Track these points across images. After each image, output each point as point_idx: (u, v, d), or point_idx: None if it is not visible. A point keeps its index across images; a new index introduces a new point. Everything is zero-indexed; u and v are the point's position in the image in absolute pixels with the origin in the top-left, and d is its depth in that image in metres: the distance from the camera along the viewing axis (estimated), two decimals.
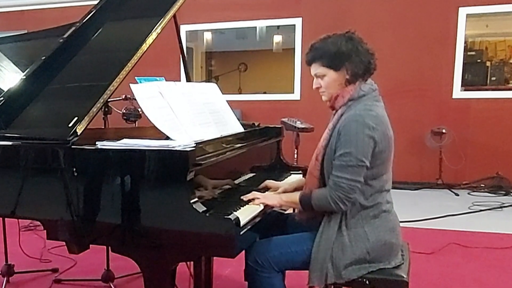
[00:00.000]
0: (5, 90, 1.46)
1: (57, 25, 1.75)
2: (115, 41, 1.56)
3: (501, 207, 3.22)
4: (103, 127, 1.84)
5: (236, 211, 1.19)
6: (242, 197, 1.28)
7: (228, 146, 1.38)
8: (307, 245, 1.22)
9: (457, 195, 3.66)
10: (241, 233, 1.08)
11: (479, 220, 2.97)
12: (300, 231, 1.30)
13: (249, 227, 1.15)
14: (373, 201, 1.21)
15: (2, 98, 1.41)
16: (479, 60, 4.35)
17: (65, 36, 1.54)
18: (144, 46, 1.37)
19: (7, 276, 1.95)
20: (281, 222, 1.43)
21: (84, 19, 1.59)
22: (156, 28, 1.42)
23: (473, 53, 4.31)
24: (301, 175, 1.68)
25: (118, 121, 2.01)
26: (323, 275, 1.18)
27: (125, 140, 1.21)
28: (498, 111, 3.83)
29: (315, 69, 1.24)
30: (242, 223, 1.10)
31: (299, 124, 2.52)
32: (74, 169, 1.17)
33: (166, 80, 1.53)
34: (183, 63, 1.90)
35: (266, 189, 1.44)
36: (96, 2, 1.64)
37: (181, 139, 1.22)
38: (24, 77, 1.46)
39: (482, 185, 3.76)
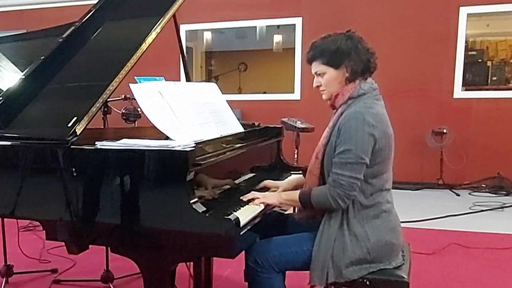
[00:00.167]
0: (4, 90, 1.46)
1: (56, 24, 1.75)
2: (114, 41, 1.56)
3: (502, 208, 3.22)
4: (102, 127, 1.84)
5: (236, 211, 1.19)
6: (241, 197, 1.28)
7: (228, 146, 1.37)
8: (307, 245, 1.22)
9: (458, 195, 3.66)
10: (241, 233, 1.08)
11: (480, 220, 2.97)
12: (300, 231, 1.30)
13: (249, 227, 1.14)
14: (373, 200, 1.21)
15: (1, 98, 1.40)
16: (480, 60, 4.34)
17: (64, 35, 1.54)
18: (144, 46, 1.37)
19: (6, 277, 1.95)
20: (281, 222, 1.43)
21: (83, 18, 1.58)
22: (155, 28, 1.42)
23: (474, 52, 4.30)
24: (301, 175, 1.68)
25: (118, 121, 2.01)
26: (324, 274, 1.18)
27: (124, 140, 1.20)
28: (499, 111, 3.82)
29: (315, 67, 1.25)
30: (242, 223, 1.09)
31: (299, 124, 2.52)
32: (74, 169, 1.16)
33: (165, 80, 1.53)
34: (183, 63, 1.90)
35: (265, 189, 1.43)
36: (95, 2, 1.63)
37: (181, 139, 1.21)
38: (23, 76, 1.45)
39: (483, 185, 3.75)
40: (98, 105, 1.25)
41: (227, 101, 1.62)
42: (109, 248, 1.30)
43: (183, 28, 4.44)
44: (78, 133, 1.19)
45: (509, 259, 2.26)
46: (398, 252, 1.26)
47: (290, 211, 1.45)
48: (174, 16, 1.58)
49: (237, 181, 1.43)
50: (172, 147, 1.10)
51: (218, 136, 1.38)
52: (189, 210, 1.06)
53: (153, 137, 1.26)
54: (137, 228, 1.12)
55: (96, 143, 1.18)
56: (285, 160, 1.79)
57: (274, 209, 1.34)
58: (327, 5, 4.18)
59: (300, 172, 1.70)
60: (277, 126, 1.79)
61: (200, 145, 1.18)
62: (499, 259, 2.26)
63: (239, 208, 1.22)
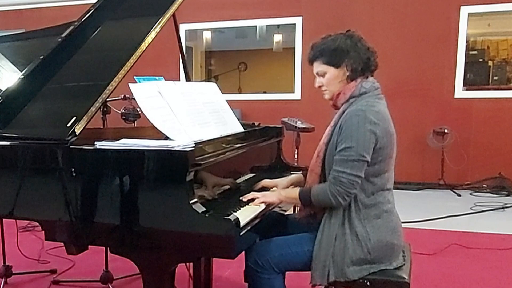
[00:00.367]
0: (3, 89, 1.46)
1: (55, 24, 1.74)
2: (114, 40, 1.55)
3: (503, 208, 3.21)
4: (101, 127, 1.84)
5: (236, 211, 1.18)
6: (241, 198, 1.27)
7: (228, 146, 1.37)
8: (307, 246, 1.22)
9: (459, 195, 3.65)
10: (241, 234, 1.08)
11: (481, 220, 2.96)
12: (300, 232, 1.29)
13: (249, 228, 1.14)
14: (374, 200, 1.21)
15: (0, 98, 1.39)
16: (481, 60, 4.33)
17: (63, 35, 1.53)
18: (143, 46, 1.36)
19: (5, 278, 1.94)
20: (282, 223, 1.42)
21: (82, 18, 1.58)
22: (155, 27, 1.41)
23: (475, 52, 4.29)
24: (300, 174, 1.67)
25: (117, 121, 2.00)
26: (325, 273, 1.18)
27: (124, 140, 1.20)
28: (500, 111, 3.81)
29: (316, 67, 1.26)
30: (242, 223, 1.09)
31: (299, 124, 2.51)
32: (73, 169, 1.16)
33: (165, 80, 1.52)
34: (183, 63, 1.89)
35: (264, 189, 1.42)
36: (95, 1, 1.63)
37: (181, 139, 1.21)
38: (22, 76, 1.45)
39: (484, 185, 3.74)
40: (97, 105, 1.25)
41: (227, 101, 1.62)
42: (108, 249, 1.30)
43: (183, 28, 4.44)
44: (77, 133, 1.19)
45: (510, 259, 2.25)
46: (398, 252, 1.26)
47: (290, 211, 1.45)
48: (173, 15, 1.57)
49: (237, 181, 1.43)
50: (172, 147, 1.10)
51: (218, 136, 1.38)
52: (189, 210, 1.06)
53: (153, 137, 1.26)
54: (136, 229, 1.12)
55: (95, 143, 1.18)
56: (286, 160, 1.79)
57: (274, 209, 1.33)
58: (328, 4, 4.17)
59: (300, 172, 1.70)
60: (277, 126, 1.79)
61: (199, 145, 1.18)
62: (500, 259, 2.25)
63: (239, 209, 1.22)
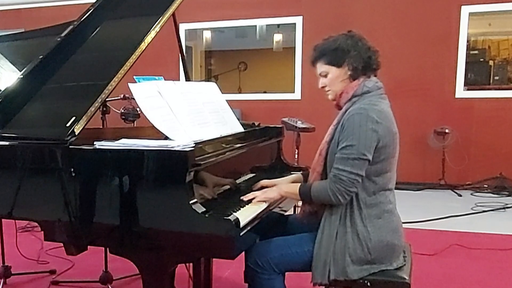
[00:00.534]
0: (2, 89, 1.45)
1: (54, 23, 1.74)
2: (113, 40, 1.55)
3: (504, 208, 3.20)
4: (101, 127, 1.83)
5: (236, 212, 1.18)
6: (241, 198, 1.27)
7: (228, 146, 1.36)
8: (308, 246, 1.21)
9: (460, 195, 3.65)
10: (241, 234, 1.07)
11: (482, 221, 2.95)
12: (300, 232, 1.29)
13: (249, 228, 1.13)
14: (376, 199, 1.20)
15: None
16: (482, 59, 4.32)
17: (62, 34, 1.53)
18: (143, 45, 1.36)
19: (4, 278, 1.94)
20: (282, 223, 1.42)
21: (82, 17, 1.57)
22: (155, 27, 1.41)
23: (475, 52, 4.28)
24: (300, 174, 1.66)
25: (117, 121, 2.00)
26: (326, 271, 1.18)
27: (123, 140, 1.19)
28: (501, 111, 3.81)
29: (319, 68, 1.27)
30: (242, 224, 1.08)
31: (300, 124, 2.51)
32: (72, 170, 1.15)
33: (165, 80, 1.52)
34: (182, 62, 1.89)
35: (263, 189, 1.42)
36: (94, 0, 1.62)
37: (180, 139, 1.20)
38: (21, 76, 1.45)
39: (485, 185, 3.74)
40: (96, 104, 1.24)
41: (227, 100, 1.61)
42: (108, 249, 1.30)
43: (183, 27, 4.43)
44: (76, 133, 1.18)
45: (511, 260, 2.24)
46: (399, 253, 1.25)
47: (291, 212, 1.44)
48: (173, 15, 1.57)
49: (237, 182, 1.42)
50: (172, 147, 1.10)
51: (218, 136, 1.37)
52: (189, 210, 1.05)
53: (152, 137, 1.26)
54: (136, 229, 1.11)
55: (94, 143, 1.17)
56: (286, 160, 1.78)
57: (274, 210, 1.33)
58: (328, 4, 4.16)
59: (301, 172, 1.69)
60: (277, 126, 1.78)
61: (199, 145, 1.17)
62: (501, 260, 2.25)
63: (239, 209, 1.21)
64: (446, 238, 2.55)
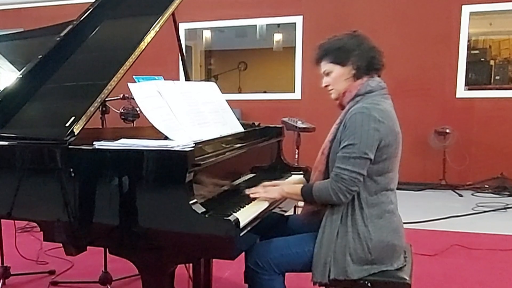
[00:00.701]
0: (1, 89, 1.45)
1: (54, 23, 1.73)
2: (113, 40, 1.54)
3: (505, 208, 3.20)
4: (100, 126, 1.82)
5: (236, 212, 1.17)
6: (246, 191, 1.27)
7: (227, 146, 1.36)
8: (308, 246, 1.21)
9: (461, 196, 3.64)
10: (241, 234, 1.07)
11: (483, 221, 2.95)
12: (301, 232, 1.29)
13: (249, 228, 1.13)
14: (377, 199, 1.20)
15: None
16: (482, 59, 4.31)
17: (62, 34, 1.52)
18: (143, 45, 1.35)
19: (3, 279, 1.93)
20: (282, 223, 1.42)
21: (81, 17, 1.57)
22: (154, 26, 1.40)
23: (476, 51, 4.28)
24: (302, 176, 1.66)
25: (116, 121, 1.99)
26: (326, 270, 1.17)
27: (123, 140, 1.19)
28: (502, 111, 3.80)
29: (323, 66, 1.27)
30: (242, 224, 1.08)
31: (300, 124, 2.50)
32: (71, 170, 1.15)
33: (164, 79, 1.51)
34: (182, 62, 1.88)
35: None
36: (93, 0, 1.61)
37: (180, 139, 1.20)
38: (21, 76, 1.44)
39: (486, 185, 3.73)
40: (96, 104, 1.24)
41: (226, 100, 1.61)
42: (107, 250, 1.29)
43: (182, 27, 4.43)
44: (76, 133, 1.18)
45: None
46: (400, 253, 1.25)
47: (291, 212, 1.44)
48: (173, 14, 1.56)
49: (237, 182, 1.42)
50: (171, 147, 1.09)
51: (218, 136, 1.37)
52: (188, 211, 1.05)
53: (152, 137, 1.25)
54: (135, 229, 1.11)
55: (94, 143, 1.17)
56: (286, 161, 1.78)
57: (275, 210, 1.32)
58: (328, 3, 4.16)
59: (301, 172, 1.69)
60: (277, 126, 1.78)
61: (199, 145, 1.17)
62: (502, 260, 2.24)
63: (239, 209, 1.21)
64: (446, 238, 2.54)
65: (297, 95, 4.35)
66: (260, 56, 6.02)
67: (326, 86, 1.27)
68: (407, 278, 1.20)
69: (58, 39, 1.51)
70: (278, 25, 4.89)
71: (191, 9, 4.08)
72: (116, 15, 1.58)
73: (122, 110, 2.02)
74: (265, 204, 1.27)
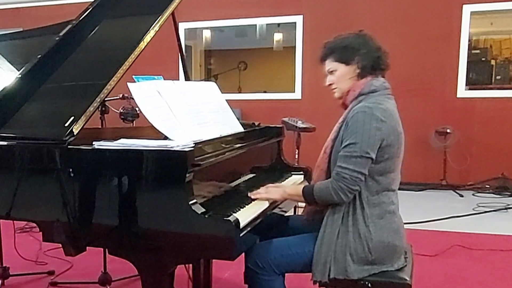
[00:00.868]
0: (0, 89, 1.44)
1: (53, 22, 1.72)
2: (112, 39, 1.54)
3: (506, 209, 3.19)
4: (100, 126, 1.82)
5: (235, 212, 1.17)
6: (248, 193, 1.27)
7: (227, 146, 1.35)
8: (308, 246, 1.21)
9: (462, 196, 3.63)
10: (241, 235, 1.07)
11: (483, 221, 2.94)
12: (301, 232, 1.29)
13: (249, 229, 1.13)
14: (378, 199, 1.20)
15: None
16: (483, 59, 4.31)
17: (61, 34, 1.52)
18: (142, 44, 1.35)
19: (2, 279, 1.93)
20: (282, 224, 1.41)
21: (80, 16, 1.57)
22: (154, 26, 1.40)
23: (477, 51, 4.28)
24: (302, 176, 1.66)
25: (116, 121, 1.99)
26: (326, 269, 1.17)
27: (122, 140, 1.18)
28: (503, 111, 3.79)
29: (327, 65, 1.27)
30: (242, 224, 1.08)
31: (300, 124, 2.49)
32: (71, 170, 1.15)
33: (164, 79, 1.51)
34: (182, 62, 1.88)
35: None
36: None
37: (180, 139, 1.20)
38: (20, 76, 1.44)
39: (487, 186, 3.72)
40: (95, 104, 1.24)
41: (226, 100, 1.60)
42: (106, 250, 1.29)
43: (182, 26, 4.42)
44: (75, 133, 1.17)
45: None
46: (400, 254, 1.25)
47: (291, 212, 1.43)
48: (173, 14, 1.56)
49: (237, 182, 1.41)
50: (171, 147, 1.09)
51: (218, 136, 1.36)
52: (188, 211, 1.04)
53: (152, 137, 1.25)
54: (135, 230, 1.10)
55: (93, 143, 1.17)
56: (286, 161, 1.77)
57: (275, 210, 1.32)
58: (328, 3, 4.15)
59: (301, 172, 1.69)
60: (277, 126, 1.77)
61: (199, 145, 1.17)
62: (503, 260, 2.24)
63: (239, 209, 1.20)
64: (447, 238, 2.54)
65: (297, 95, 4.34)
66: (260, 56, 6.02)
67: (329, 84, 1.27)
68: (408, 279, 1.19)
69: (57, 38, 1.50)
70: (278, 24, 4.88)
71: (191, 8, 4.08)
72: (115, 15, 1.58)
73: (121, 110, 2.01)
74: (265, 205, 1.26)
